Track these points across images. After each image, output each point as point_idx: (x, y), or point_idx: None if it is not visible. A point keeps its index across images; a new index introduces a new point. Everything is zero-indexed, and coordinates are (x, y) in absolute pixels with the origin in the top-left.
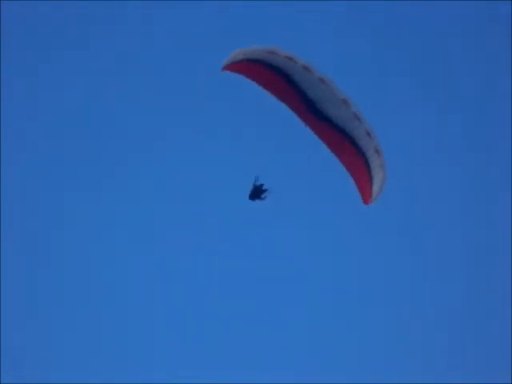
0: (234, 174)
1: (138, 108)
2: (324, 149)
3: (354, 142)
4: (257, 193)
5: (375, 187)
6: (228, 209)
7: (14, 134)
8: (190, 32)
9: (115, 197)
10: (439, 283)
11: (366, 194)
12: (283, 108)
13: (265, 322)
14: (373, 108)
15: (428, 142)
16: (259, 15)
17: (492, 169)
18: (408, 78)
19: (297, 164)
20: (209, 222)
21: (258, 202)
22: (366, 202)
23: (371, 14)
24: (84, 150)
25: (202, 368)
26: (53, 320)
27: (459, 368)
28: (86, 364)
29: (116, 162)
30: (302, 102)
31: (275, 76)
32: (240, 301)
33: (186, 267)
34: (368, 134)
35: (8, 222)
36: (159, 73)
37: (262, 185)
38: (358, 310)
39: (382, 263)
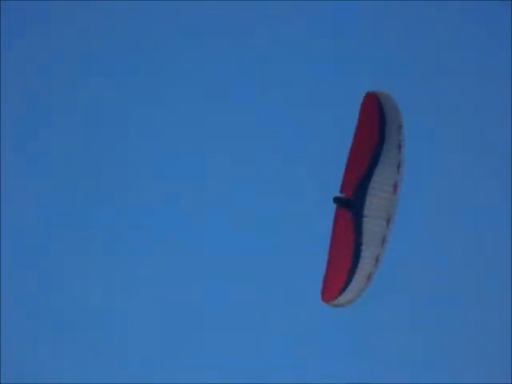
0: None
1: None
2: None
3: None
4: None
5: (346, 294)
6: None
7: (14, 134)
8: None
9: (115, 197)
10: (439, 283)
11: (331, 291)
12: None
13: (265, 322)
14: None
15: (428, 142)
16: (259, 15)
17: (492, 169)
18: (408, 78)
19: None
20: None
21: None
22: (325, 298)
23: (371, 14)
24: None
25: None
26: (53, 320)
27: (459, 368)
28: (86, 364)
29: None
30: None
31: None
32: (239, 301)
33: (185, 267)
34: (382, 241)
35: (8, 222)
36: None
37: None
38: (357, 309)
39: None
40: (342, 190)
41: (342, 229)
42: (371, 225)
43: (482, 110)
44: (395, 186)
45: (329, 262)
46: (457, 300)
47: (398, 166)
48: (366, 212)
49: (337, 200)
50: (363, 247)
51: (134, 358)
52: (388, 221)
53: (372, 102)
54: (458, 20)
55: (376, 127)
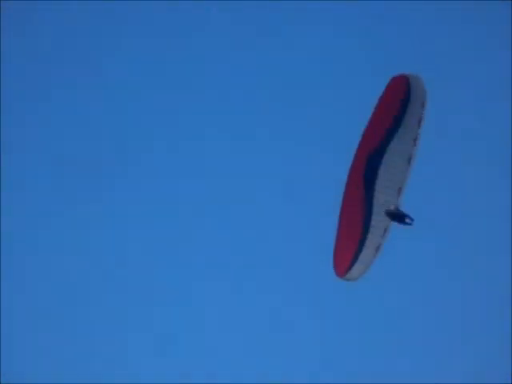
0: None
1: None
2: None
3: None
4: (399, 215)
5: (358, 266)
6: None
7: (14, 134)
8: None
9: (115, 199)
10: (439, 282)
11: (343, 264)
12: None
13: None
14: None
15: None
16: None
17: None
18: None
19: None
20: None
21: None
22: (339, 272)
23: (370, 14)
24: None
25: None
26: (53, 320)
27: (459, 368)
28: (86, 364)
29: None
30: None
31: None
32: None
33: (185, 267)
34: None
35: (8, 222)
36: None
37: (396, 207)
38: (358, 309)
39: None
40: (353, 165)
41: (353, 201)
42: (383, 195)
43: (482, 109)
44: (409, 159)
45: (338, 236)
46: (457, 300)
47: (415, 139)
48: (377, 185)
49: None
50: (373, 217)
51: (134, 358)
52: (399, 190)
53: (400, 81)
54: (458, 20)
55: (398, 103)
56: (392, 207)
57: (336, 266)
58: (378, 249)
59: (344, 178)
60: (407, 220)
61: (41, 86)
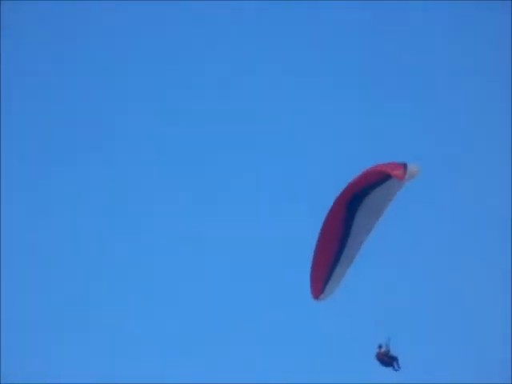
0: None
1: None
2: None
3: None
4: (388, 361)
5: (410, 166)
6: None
7: (13, 134)
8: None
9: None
10: (439, 281)
11: (398, 169)
12: None
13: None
14: (372, 109)
15: (427, 142)
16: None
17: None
18: (408, 79)
19: None
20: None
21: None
22: (399, 176)
23: (370, 14)
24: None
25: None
26: (53, 320)
27: (459, 368)
28: (86, 364)
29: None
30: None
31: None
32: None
33: (185, 268)
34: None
35: (8, 222)
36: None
37: (387, 351)
38: (358, 309)
39: (380, 261)
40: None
41: (332, 226)
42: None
43: (482, 109)
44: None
45: (314, 260)
46: (457, 300)
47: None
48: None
49: None
50: (350, 237)
51: (133, 359)
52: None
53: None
54: (458, 19)
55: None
56: (383, 350)
57: (312, 291)
58: (351, 260)
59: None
60: (395, 365)
61: (40, 85)
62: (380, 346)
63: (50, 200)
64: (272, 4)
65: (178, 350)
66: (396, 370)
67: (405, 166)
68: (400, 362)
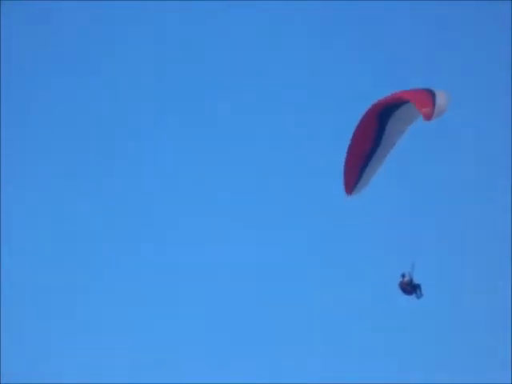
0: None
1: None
2: None
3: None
4: (410, 290)
5: (439, 100)
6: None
7: (13, 134)
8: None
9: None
10: (439, 282)
11: (427, 107)
12: None
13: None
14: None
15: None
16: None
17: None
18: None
19: None
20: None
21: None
22: (427, 116)
23: (369, 14)
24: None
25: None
26: (53, 320)
27: (459, 368)
28: (86, 364)
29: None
30: None
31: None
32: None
33: (185, 268)
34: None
35: (8, 222)
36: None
37: (410, 280)
38: (358, 309)
39: (380, 262)
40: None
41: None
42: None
43: (482, 109)
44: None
45: (413, 98)
46: (457, 300)
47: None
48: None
49: None
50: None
51: (134, 359)
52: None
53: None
54: (457, 19)
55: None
56: (406, 279)
57: (346, 188)
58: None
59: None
60: (418, 293)
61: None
62: (403, 275)
63: (50, 199)
64: None
65: (179, 351)
66: (418, 298)
67: (434, 101)
68: (422, 289)
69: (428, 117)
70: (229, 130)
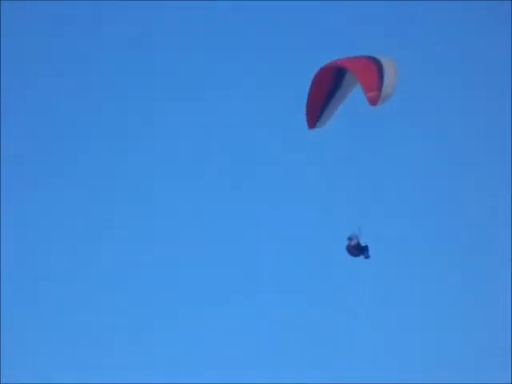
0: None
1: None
2: None
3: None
4: (360, 250)
5: (387, 81)
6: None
7: (13, 134)
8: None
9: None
10: (439, 282)
11: (373, 91)
12: None
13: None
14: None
15: (427, 141)
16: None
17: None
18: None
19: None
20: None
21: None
22: (372, 102)
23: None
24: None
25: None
26: (53, 320)
27: (459, 368)
28: (85, 364)
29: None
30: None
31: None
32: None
33: (186, 268)
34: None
35: (8, 221)
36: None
37: (357, 242)
38: (357, 310)
39: (382, 262)
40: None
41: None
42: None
43: (482, 109)
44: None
45: (361, 79)
46: (457, 300)
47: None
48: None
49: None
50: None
51: (133, 358)
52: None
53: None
54: (458, 19)
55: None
56: (353, 242)
57: (370, 100)
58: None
59: None
60: (365, 255)
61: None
62: (350, 238)
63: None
64: None
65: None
66: (366, 258)
67: (381, 82)
68: (370, 250)
69: (373, 103)
70: (228, 130)
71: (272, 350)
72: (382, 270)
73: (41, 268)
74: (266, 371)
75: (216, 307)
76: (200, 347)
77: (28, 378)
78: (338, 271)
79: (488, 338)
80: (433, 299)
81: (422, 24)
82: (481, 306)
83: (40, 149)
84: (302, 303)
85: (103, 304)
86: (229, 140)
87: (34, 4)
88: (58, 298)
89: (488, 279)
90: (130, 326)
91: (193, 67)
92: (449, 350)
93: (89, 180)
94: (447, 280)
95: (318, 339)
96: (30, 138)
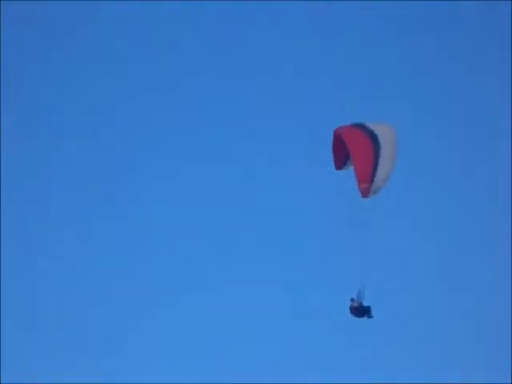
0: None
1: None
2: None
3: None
4: (362, 312)
5: (379, 175)
6: None
7: (13, 134)
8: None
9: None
10: (440, 282)
11: (365, 182)
12: None
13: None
14: (372, 109)
15: (426, 141)
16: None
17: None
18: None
19: None
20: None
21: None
22: (363, 194)
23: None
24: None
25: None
26: (53, 320)
27: (459, 368)
28: (85, 364)
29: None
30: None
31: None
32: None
33: (187, 268)
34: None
35: (8, 221)
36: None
37: (360, 303)
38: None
39: (384, 263)
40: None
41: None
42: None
43: (482, 109)
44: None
45: (356, 167)
46: (457, 299)
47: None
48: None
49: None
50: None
51: (134, 359)
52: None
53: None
54: (458, 19)
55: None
56: (355, 304)
57: (361, 192)
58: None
59: None
60: (369, 314)
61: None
62: (352, 300)
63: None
64: None
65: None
66: (370, 318)
67: (373, 174)
68: (373, 311)
69: (364, 195)
70: (229, 129)
71: (272, 350)
72: (382, 269)
73: (41, 268)
74: (266, 371)
75: (216, 308)
76: (199, 347)
77: (28, 378)
78: (337, 271)
79: (488, 338)
80: (433, 299)
81: (422, 24)
82: (481, 306)
83: (40, 149)
84: (302, 303)
85: (103, 304)
86: (229, 140)
87: (34, 4)
88: (57, 296)
89: (488, 279)
90: (130, 326)
91: (193, 67)
92: (449, 350)
93: (89, 180)
94: (447, 280)
95: (318, 339)
96: (30, 138)
